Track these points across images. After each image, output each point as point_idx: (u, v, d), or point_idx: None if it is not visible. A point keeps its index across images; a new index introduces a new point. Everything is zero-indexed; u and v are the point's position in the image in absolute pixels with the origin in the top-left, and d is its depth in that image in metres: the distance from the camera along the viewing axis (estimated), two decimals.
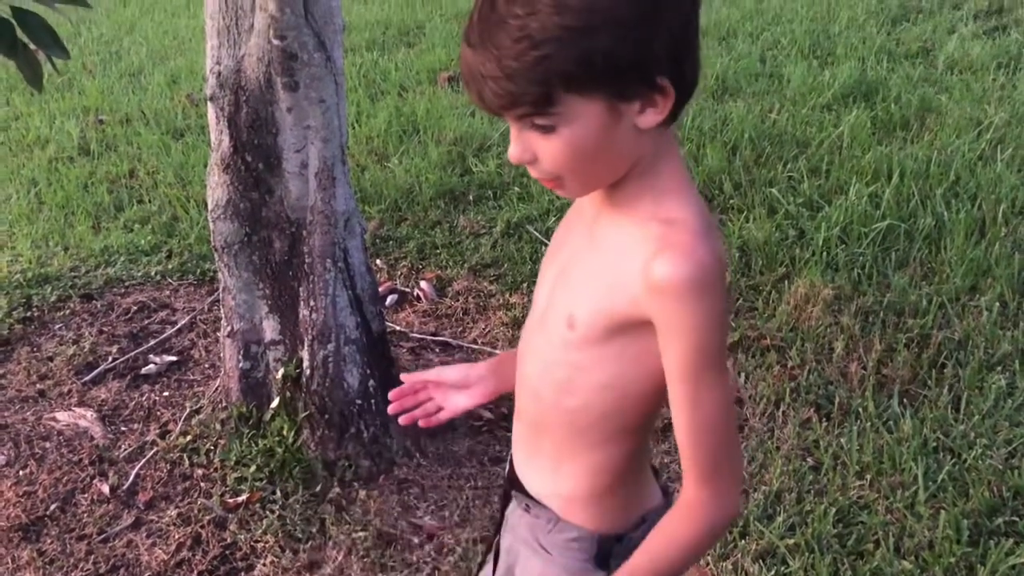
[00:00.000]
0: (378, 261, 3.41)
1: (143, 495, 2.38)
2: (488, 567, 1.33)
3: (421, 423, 1.33)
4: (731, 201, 3.65)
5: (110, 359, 2.91)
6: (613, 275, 1.01)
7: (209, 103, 2.28)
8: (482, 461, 2.46)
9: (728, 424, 1.01)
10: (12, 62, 1.83)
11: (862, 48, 5.22)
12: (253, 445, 2.41)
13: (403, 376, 1.35)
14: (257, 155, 2.26)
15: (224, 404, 2.53)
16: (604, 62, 0.89)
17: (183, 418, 2.62)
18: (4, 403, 2.74)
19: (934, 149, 3.91)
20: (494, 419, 2.57)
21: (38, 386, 2.81)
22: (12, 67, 1.92)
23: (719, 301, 0.96)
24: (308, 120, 2.23)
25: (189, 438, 2.51)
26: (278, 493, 2.31)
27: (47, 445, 2.57)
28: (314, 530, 2.23)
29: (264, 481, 2.34)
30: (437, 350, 2.91)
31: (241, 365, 2.46)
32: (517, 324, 2.94)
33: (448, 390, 1.33)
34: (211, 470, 2.42)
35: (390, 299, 3.17)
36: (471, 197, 3.84)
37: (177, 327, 3.06)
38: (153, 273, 3.39)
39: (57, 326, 3.11)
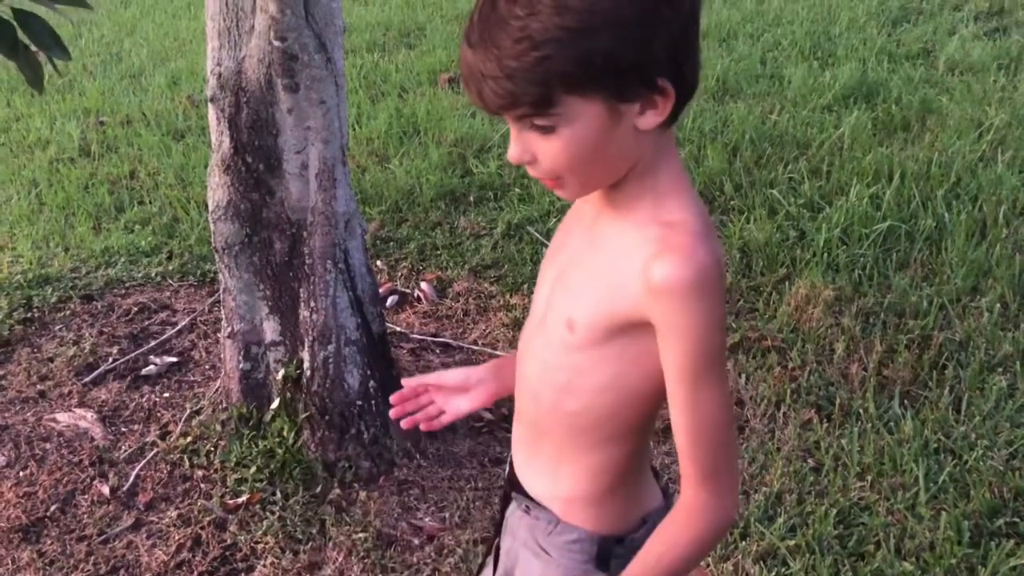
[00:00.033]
0: (379, 262, 3.41)
1: (143, 496, 2.38)
2: (488, 569, 1.33)
3: (423, 427, 1.34)
4: (732, 202, 3.65)
5: (110, 360, 2.91)
6: (613, 277, 1.00)
7: (210, 104, 2.28)
8: (482, 462, 2.46)
9: (727, 426, 1.01)
10: (13, 63, 1.83)
11: (863, 49, 5.22)
12: (253, 446, 2.41)
13: (403, 381, 1.35)
14: (258, 156, 2.26)
15: (224, 405, 2.53)
16: (604, 63, 0.89)
17: (183, 419, 2.62)
18: (4, 404, 2.74)
19: (935, 150, 3.91)
20: (494, 420, 2.57)
21: (38, 387, 2.81)
22: (13, 68, 1.92)
23: (718, 303, 0.96)
24: (309, 121, 2.23)
25: (189, 439, 2.51)
26: (278, 494, 2.31)
27: (47, 446, 2.57)
28: (314, 531, 2.23)
29: (264, 482, 2.34)
30: (438, 351, 2.91)
31: (241, 366, 2.46)
32: (517, 325, 2.94)
33: (449, 393, 1.33)
34: (211, 471, 2.42)
35: (391, 300, 3.17)
36: (472, 198, 3.84)
37: (177, 328, 3.06)
38: (154, 274, 3.39)
39: (57, 327, 3.11)
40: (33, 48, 1.84)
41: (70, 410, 2.70)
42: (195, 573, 2.15)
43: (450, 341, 2.94)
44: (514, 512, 1.24)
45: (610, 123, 0.94)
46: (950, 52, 5.10)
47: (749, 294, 3.09)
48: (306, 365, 2.36)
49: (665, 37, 0.91)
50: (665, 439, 2.38)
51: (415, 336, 2.96)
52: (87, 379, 2.83)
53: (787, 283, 3.10)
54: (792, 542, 2.13)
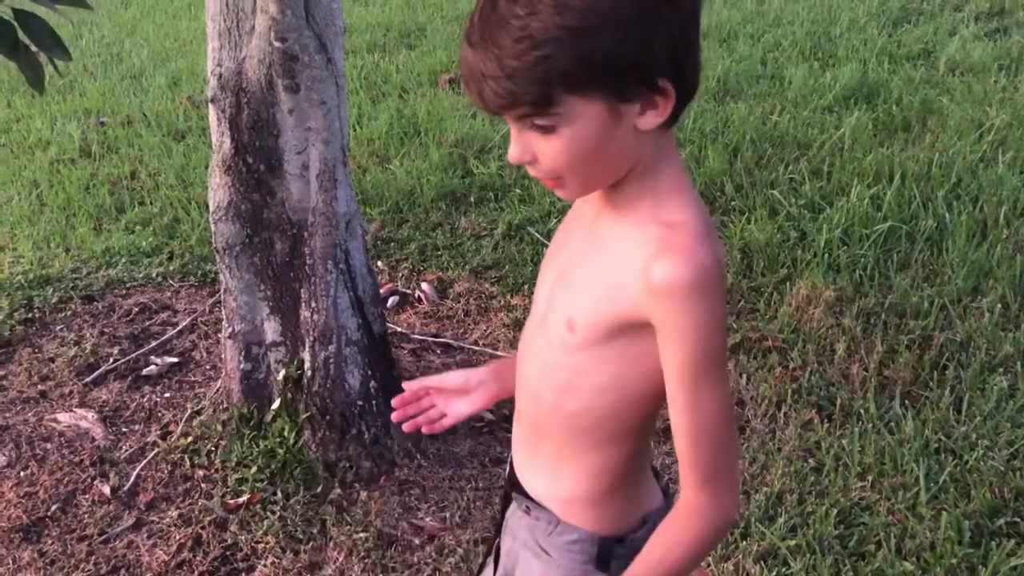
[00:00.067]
0: (379, 263, 3.41)
1: (144, 496, 2.38)
2: (488, 569, 1.33)
3: (424, 430, 1.34)
4: (732, 203, 3.65)
5: (111, 360, 2.91)
6: (613, 277, 1.00)
7: (210, 105, 2.28)
8: (483, 462, 2.46)
9: (728, 427, 1.01)
10: (13, 64, 1.83)
11: (863, 50, 5.22)
12: (254, 446, 2.41)
13: (404, 384, 1.35)
14: (258, 157, 2.26)
15: (225, 405, 2.53)
16: (605, 62, 0.89)
17: (184, 419, 2.62)
18: (5, 404, 2.75)
19: (935, 151, 3.91)
20: (495, 420, 2.57)
21: (39, 387, 2.81)
22: (13, 69, 1.92)
23: (719, 303, 0.95)
24: (309, 122, 2.23)
25: (190, 439, 2.51)
26: (279, 494, 2.31)
27: (48, 446, 2.57)
28: (315, 531, 2.23)
29: (265, 482, 2.34)
30: (438, 351, 2.91)
31: (242, 366, 2.46)
32: (518, 325, 2.94)
33: (450, 396, 1.33)
34: (212, 471, 2.42)
35: (391, 300, 3.17)
36: (472, 199, 3.84)
37: (178, 328, 3.06)
38: (154, 274, 3.39)
39: (58, 327, 3.11)
40: (34, 49, 1.84)
41: (71, 410, 2.70)
42: (196, 573, 2.16)
43: (451, 341, 2.94)
44: (514, 512, 1.24)
45: (610, 123, 0.94)
46: (951, 53, 5.10)
47: (750, 294, 3.09)
48: (307, 365, 2.36)
49: (665, 37, 0.91)
50: (665, 439, 2.38)
51: (416, 336, 2.97)
52: (88, 379, 2.83)
53: (788, 283, 3.10)
54: (793, 542, 2.13)
